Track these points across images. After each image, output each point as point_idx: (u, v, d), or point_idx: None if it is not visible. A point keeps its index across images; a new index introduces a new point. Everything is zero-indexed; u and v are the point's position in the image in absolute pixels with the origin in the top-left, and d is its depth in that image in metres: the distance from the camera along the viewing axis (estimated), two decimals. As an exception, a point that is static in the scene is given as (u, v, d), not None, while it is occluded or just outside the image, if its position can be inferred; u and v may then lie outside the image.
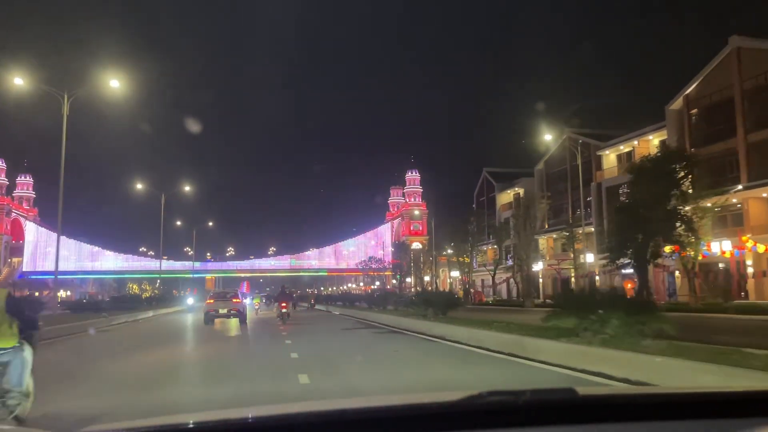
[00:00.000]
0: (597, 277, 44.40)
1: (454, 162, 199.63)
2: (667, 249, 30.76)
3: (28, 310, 6.47)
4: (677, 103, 42.23)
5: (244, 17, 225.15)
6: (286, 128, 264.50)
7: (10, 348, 6.04)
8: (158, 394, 8.67)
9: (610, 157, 51.39)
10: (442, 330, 17.14)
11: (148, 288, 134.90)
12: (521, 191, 67.96)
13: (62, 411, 6.98)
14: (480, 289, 61.49)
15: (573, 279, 47.15)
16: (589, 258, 42.92)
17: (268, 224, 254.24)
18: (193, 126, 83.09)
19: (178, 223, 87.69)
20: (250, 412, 1.96)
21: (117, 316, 31.78)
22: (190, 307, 50.81)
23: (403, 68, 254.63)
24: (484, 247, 66.50)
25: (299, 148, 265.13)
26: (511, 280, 56.88)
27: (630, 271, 31.68)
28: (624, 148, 49.30)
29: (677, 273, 37.98)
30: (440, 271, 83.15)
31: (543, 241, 58.06)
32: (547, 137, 50.15)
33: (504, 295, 59.66)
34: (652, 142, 45.62)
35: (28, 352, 6.20)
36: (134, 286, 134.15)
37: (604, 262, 36.33)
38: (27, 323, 6.31)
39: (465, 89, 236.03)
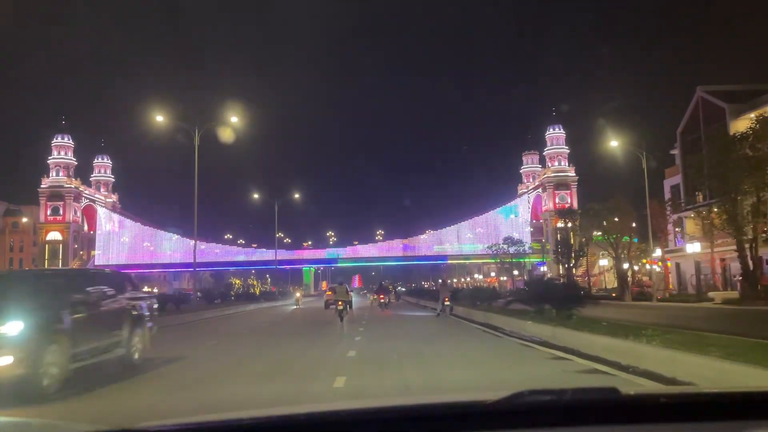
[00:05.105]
0: None
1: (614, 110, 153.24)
2: None
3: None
4: None
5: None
6: (394, 97, 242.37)
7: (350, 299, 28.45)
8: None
9: None
10: None
11: (255, 283, 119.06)
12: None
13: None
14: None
15: None
16: None
17: (375, 206, 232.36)
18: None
19: (255, 195, 67.88)
20: (293, 410, 1.96)
21: None
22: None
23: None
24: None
25: (408, 113, 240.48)
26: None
27: None
28: None
29: None
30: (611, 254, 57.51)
31: None
32: None
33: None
34: None
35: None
36: (237, 281, 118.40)
37: None
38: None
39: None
